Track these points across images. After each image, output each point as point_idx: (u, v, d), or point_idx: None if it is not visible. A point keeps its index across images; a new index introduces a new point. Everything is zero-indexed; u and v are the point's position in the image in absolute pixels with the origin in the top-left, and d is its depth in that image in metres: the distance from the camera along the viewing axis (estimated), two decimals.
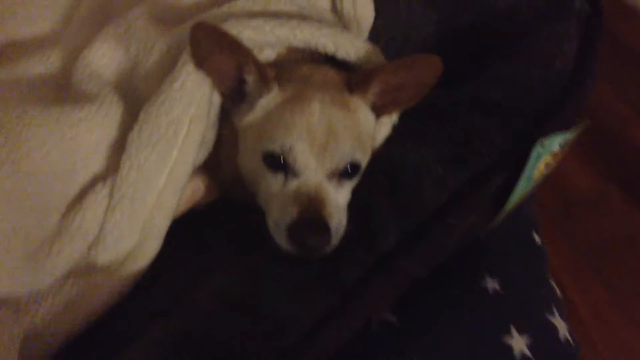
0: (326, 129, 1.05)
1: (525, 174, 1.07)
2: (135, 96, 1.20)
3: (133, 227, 1.09)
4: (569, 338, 1.11)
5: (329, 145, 1.05)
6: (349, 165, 1.07)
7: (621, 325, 1.80)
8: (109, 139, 1.14)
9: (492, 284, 1.11)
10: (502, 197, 1.12)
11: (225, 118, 1.20)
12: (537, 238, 1.28)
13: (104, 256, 1.09)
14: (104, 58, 1.23)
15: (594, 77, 1.08)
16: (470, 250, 1.15)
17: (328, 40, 1.16)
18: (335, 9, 1.35)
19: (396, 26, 1.33)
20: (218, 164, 1.25)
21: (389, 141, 1.16)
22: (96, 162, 1.12)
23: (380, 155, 1.13)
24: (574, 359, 1.12)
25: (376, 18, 1.35)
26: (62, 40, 1.35)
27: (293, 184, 1.05)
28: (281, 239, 1.02)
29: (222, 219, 1.19)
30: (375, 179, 1.09)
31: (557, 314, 1.14)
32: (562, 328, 1.12)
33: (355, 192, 1.09)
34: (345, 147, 1.06)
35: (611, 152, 2.19)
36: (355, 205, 1.07)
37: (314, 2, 1.32)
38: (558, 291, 1.21)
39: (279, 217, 1.03)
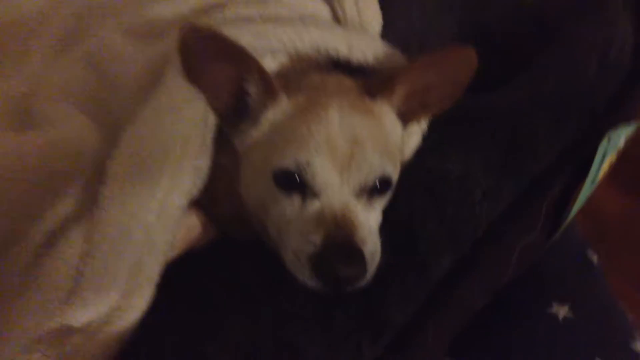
0: (349, 138, 0.88)
1: (591, 175, 0.90)
2: (112, 122, 1.01)
3: (117, 275, 0.87)
4: None
5: (354, 158, 0.87)
6: (378, 181, 0.88)
7: None
8: (83, 171, 0.93)
9: (562, 311, 0.92)
10: (559, 208, 0.95)
11: (223, 145, 1.01)
12: (593, 257, 1.10)
13: (82, 314, 0.86)
14: (73, 80, 1.05)
15: None
16: (528, 276, 0.96)
17: (341, 42, 1.00)
18: (337, 18, 1.20)
19: (410, 33, 1.18)
20: (214, 199, 1.05)
21: (422, 152, 0.98)
22: (67, 199, 0.91)
23: (416, 168, 0.95)
24: None
25: (386, 26, 1.20)
26: (22, 71, 1.16)
27: (313, 206, 0.86)
28: (303, 273, 0.81)
29: (226, 261, 0.98)
30: (414, 196, 0.91)
31: (638, 339, 0.94)
32: None
33: (390, 211, 0.90)
34: (373, 159, 0.88)
35: (634, 168, 2.04)
36: (394, 228, 0.88)
37: (314, 11, 1.16)
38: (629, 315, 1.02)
39: (298, 247, 0.83)
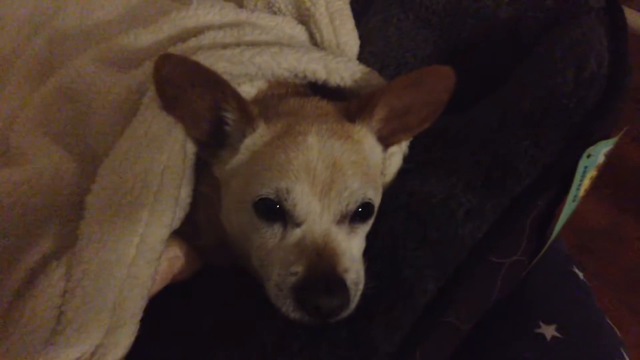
0: (328, 164, 0.87)
1: (572, 191, 0.90)
2: (90, 154, 1.01)
3: (100, 312, 0.86)
4: None
5: (334, 184, 0.86)
6: (359, 207, 0.88)
7: None
8: (60, 207, 0.92)
9: (549, 331, 0.92)
10: (543, 225, 0.94)
11: (202, 174, 1.01)
12: (579, 273, 1.10)
13: (66, 355, 0.85)
14: (47, 113, 1.04)
15: (631, 74, 0.93)
16: (514, 295, 0.96)
17: (318, 65, 1.01)
18: (315, 41, 1.20)
19: (387, 52, 1.18)
20: (196, 229, 1.05)
21: (404, 174, 0.98)
22: (46, 236, 0.90)
23: (397, 191, 0.95)
24: None
25: (363, 46, 1.20)
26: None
27: (295, 234, 0.85)
28: (287, 306, 0.81)
29: (210, 294, 0.97)
30: (397, 220, 0.90)
31: (626, 358, 0.94)
32: None
33: (373, 237, 0.90)
34: (353, 185, 0.87)
35: (618, 181, 2.07)
36: (378, 254, 0.88)
37: (292, 34, 1.17)
38: (617, 331, 1.02)
39: (280, 279, 0.82)
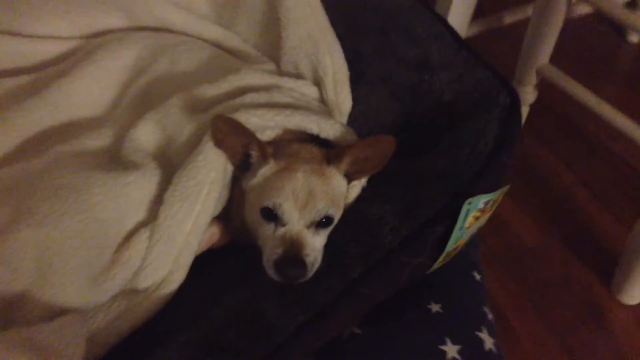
0: (307, 192, 1.40)
1: (458, 225, 1.43)
2: (170, 165, 1.58)
3: (166, 261, 1.44)
4: (494, 349, 1.44)
5: (308, 204, 1.39)
6: (323, 218, 1.42)
7: (556, 354, 2.15)
8: (150, 196, 1.50)
9: (435, 307, 1.47)
10: (443, 242, 1.48)
11: (235, 182, 1.58)
12: (477, 276, 1.63)
13: (144, 282, 1.43)
14: (147, 135, 1.62)
15: (510, 154, 1.45)
16: (420, 285, 1.51)
17: (313, 125, 1.56)
18: (322, 98, 1.76)
19: (368, 113, 1.73)
20: (229, 216, 1.62)
21: (359, 200, 1.53)
22: (140, 213, 1.49)
23: (352, 210, 1.50)
24: None
25: (354, 106, 1.76)
26: (113, 120, 1.75)
27: (281, 230, 1.39)
28: (271, 272, 1.36)
29: (232, 257, 1.57)
30: (347, 228, 1.45)
31: (485, 331, 1.46)
32: (489, 342, 1.44)
33: (332, 236, 1.46)
34: (320, 205, 1.40)
35: (554, 210, 2.59)
36: (332, 247, 1.43)
37: (306, 93, 1.73)
38: (490, 315, 1.54)
39: (269, 256, 1.37)
